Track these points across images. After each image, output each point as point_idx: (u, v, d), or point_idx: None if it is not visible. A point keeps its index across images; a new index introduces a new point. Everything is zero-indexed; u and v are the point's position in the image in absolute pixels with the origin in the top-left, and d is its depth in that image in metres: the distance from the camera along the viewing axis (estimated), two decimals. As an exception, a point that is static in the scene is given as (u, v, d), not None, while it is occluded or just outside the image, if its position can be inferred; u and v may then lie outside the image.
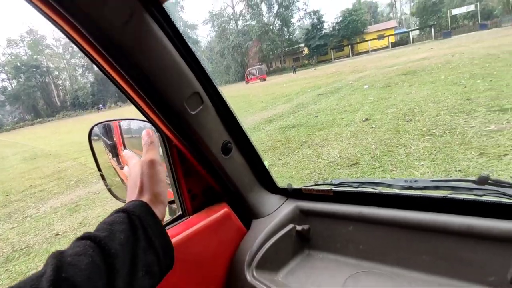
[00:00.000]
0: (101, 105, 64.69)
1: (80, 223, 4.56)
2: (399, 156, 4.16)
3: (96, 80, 69.37)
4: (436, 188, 0.74)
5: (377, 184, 0.82)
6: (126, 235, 0.44)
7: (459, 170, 3.43)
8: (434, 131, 4.78)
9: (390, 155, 4.29)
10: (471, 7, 50.82)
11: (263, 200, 0.94)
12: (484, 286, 0.61)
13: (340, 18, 56.14)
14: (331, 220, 0.85)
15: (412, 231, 0.71)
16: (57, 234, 4.36)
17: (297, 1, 60.34)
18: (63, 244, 4.01)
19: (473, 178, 0.69)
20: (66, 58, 75.50)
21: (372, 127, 5.88)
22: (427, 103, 6.64)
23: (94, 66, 0.64)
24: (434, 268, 0.68)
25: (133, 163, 0.61)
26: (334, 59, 53.98)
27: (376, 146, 4.75)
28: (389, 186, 0.80)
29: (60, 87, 76.31)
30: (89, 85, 72.98)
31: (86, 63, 69.85)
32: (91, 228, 0.45)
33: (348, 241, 0.82)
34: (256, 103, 14.82)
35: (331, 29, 57.64)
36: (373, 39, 54.81)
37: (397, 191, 0.78)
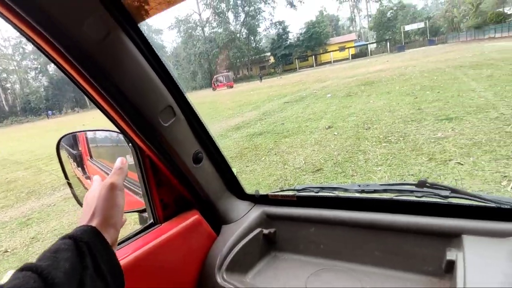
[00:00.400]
0: (49, 112, 58.44)
1: (33, 238, 4.22)
2: (359, 162, 4.43)
3: (51, 84, 64.57)
4: (385, 191, 0.84)
5: (335, 188, 0.91)
6: (72, 263, 0.42)
7: (412, 174, 3.74)
8: (390, 138, 5.16)
9: (351, 161, 4.55)
10: (421, 24, 55.83)
11: (232, 207, 0.99)
12: (424, 276, 0.71)
13: (304, 29, 58.45)
14: (295, 223, 0.93)
15: (365, 230, 0.81)
16: (6, 251, 3.99)
17: (263, 11, 61.86)
18: (12, 262, 3.68)
19: (414, 182, 0.81)
20: (16, 59, 69.65)
21: (335, 134, 6.18)
22: (384, 112, 7.14)
23: (50, 69, 0.64)
24: (384, 262, 0.77)
25: (93, 187, 0.60)
26: (299, 69, 55.80)
27: (338, 153, 5.01)
28: (345, 190, 0.90)
29: (9, 91, 69.95)
30: (42, 89, 67.69)
31: (39, 66, 64.80)
32: (46, 243, 0.45)
33: (311, 242, 0.90)
34: (224, 110, 14.83)
35: (296, 39, 59.69)
36: (335, 50, 57.65)
37: (352, 194, 0.88)
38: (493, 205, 0.66)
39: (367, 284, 0.75)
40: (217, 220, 0.96)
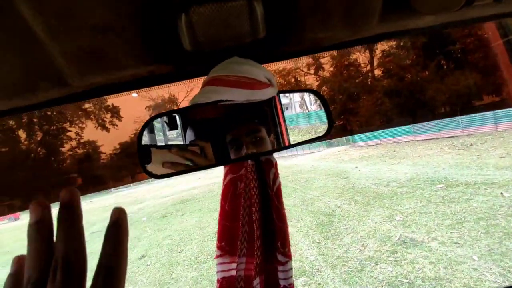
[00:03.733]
0: None
1: None
2: (171, 293, 4.26)
3: None
4: None
5: None
6: None
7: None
8: (200, 258, 5.41)
9: (163, 294, 4.30)
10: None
11: None
12: None
13: (119, 150, 57.66)
14: None
15: None
16: None
17: (69, 131, 57.16)
18: None
19: None
20: None
21: (148, 265, 5.80)
22: (196, 230, 7.59)
23: None
24: None
25: None
26: (114, 189, 51.74)
27: None
28: None
29: None
30: None
31: None
32: None
33: None
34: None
35: (109, 159, 57.09)
36: (153, 169, 59.06)
37: None
38: None
39: None
40: None
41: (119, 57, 0.61)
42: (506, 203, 5.04)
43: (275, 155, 0.72)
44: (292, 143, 0.71)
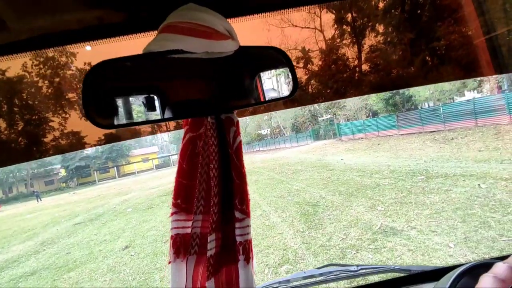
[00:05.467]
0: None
1: None
2: (155, 283, 4.25)
3: None
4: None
5: (288, 281, 0.95)
6: None
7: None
8: (185, 248, 5.41)
9: (146, 283, 4.28)
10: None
11: None
12: None
13: (104, 141, 56.34)
14: None
15: None
16: None
17: (52, 121, 55.33)
18: None
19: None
20: None
21: (132, 255, 5.76)
22: (181, 222, 7.56)
23: None
24: None
25: None
26: (98, 181, 50.83)
27: (133, 277, 4.62)
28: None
29: None
30: None
31: None
32: None
33: None
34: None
35: (93, 150, 55.79)
36: (139, 161, 58.17)
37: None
38: (403, 274, 0.85)
39: None
40: None
41: None
42: (483, 194, 5.25)
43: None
44: (253, 102, 0.69)
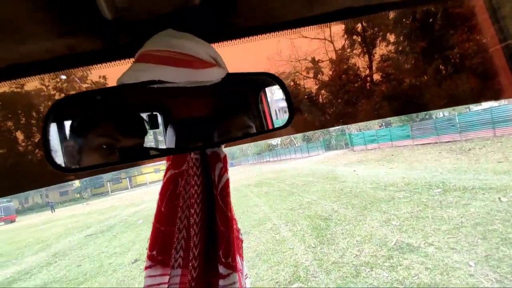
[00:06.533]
0: None
1: None
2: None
3: None
4: None
5: None
6: None
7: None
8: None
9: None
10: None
11: None
12: None
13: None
14: None
15: None
16: None
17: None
18: None
19: None
20: None
21: (141, 269, 5.70)
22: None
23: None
24: None
25: None
26: (111, 192, 51.59)
27: (141, 292, 4.55)
28: None
29: None
30: None
31: None
32: None
33: None
34: (-10, 259, 10.67)
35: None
36: (151, 172, 58.88)
37: None
38: None
39: None
40: None
41: (25, 26, 0.51)
42: (504, 208, 4.97)
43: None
44: (242, 134, 0.60)
